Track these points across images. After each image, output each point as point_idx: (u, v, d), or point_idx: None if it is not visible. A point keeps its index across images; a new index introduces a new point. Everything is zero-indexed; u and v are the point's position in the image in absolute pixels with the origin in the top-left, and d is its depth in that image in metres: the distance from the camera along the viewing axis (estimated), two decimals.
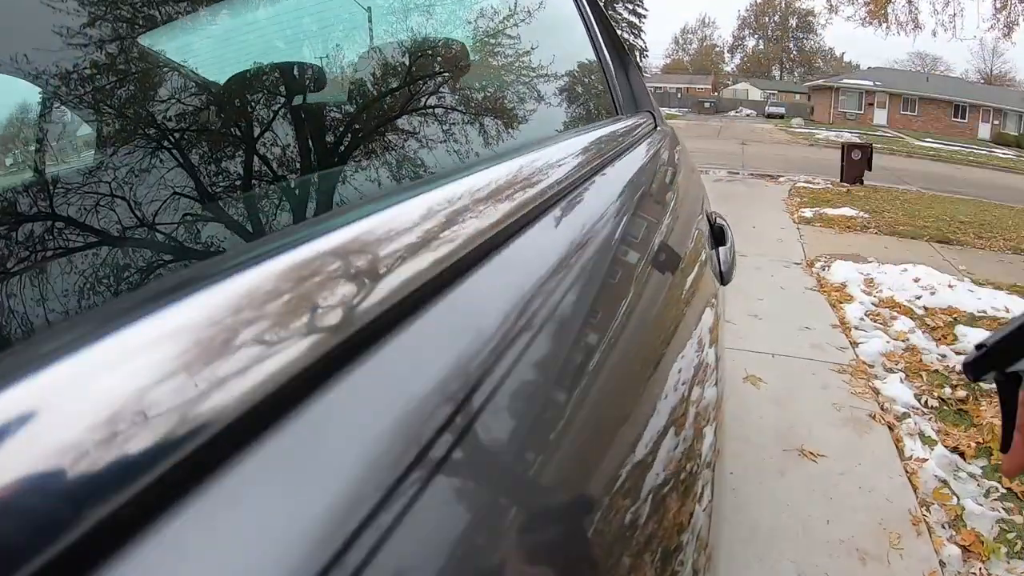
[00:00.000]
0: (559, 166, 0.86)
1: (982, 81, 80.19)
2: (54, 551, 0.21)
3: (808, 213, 10.59)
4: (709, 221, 1.87)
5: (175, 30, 0.61)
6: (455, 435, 0.38)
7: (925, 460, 3.49)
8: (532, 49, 1.36)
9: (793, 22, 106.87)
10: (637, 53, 58.99)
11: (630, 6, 58.46)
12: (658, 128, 2.15)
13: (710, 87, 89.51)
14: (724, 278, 1.79)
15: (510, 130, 1.09)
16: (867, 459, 3.47)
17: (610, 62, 2.07)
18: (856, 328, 5.34)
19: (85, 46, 0.49)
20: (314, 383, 0.34)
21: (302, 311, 0.35)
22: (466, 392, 0.41)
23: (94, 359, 0.27)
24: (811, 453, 3.47)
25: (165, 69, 0.58)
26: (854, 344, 5.03)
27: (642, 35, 59.68)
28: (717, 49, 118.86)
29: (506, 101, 1.18)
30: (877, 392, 4.26)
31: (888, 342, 5.00)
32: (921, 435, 3.76)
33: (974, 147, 37.99)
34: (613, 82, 1.99)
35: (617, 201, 0.97)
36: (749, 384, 4.29)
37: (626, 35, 58.26)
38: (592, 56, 1.92)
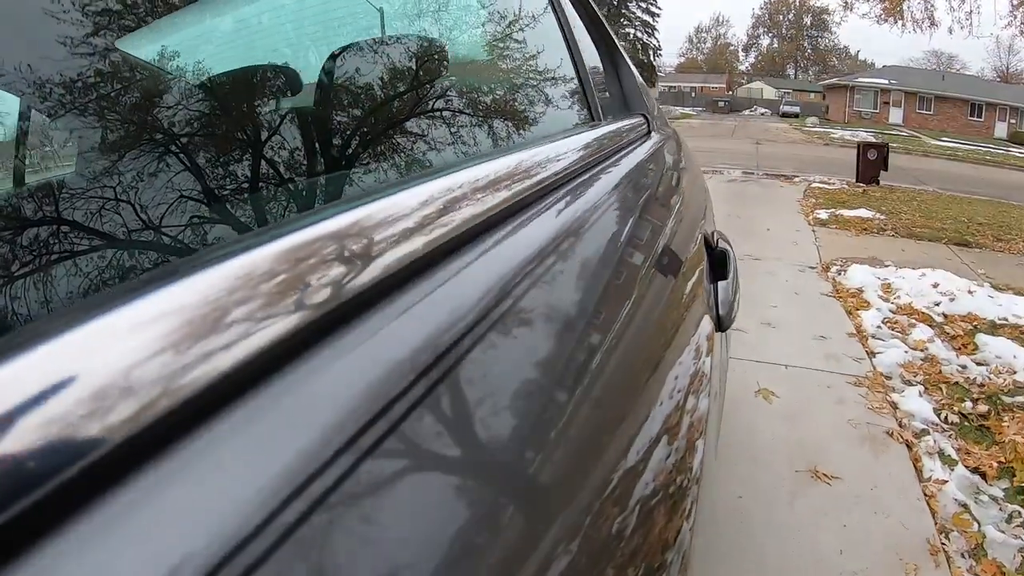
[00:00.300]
0: (504, 187, 0.74)
1: (998, 79, 79.63)
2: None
3: (823, 214, 10.40)
4: (709, 245, 1.64)
5: (158, 31, 0.61)
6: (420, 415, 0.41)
7: (945, 482, 3.29)
8: (481, 49, 1.26)
9: (808, 20, 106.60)
10: (651, 52, 58.86)
11: (643, 5, 58.20)
12: (652, 133, 1.97)
13: (724, 86, 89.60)
14: (722, 323, 1.43)
15: (448, 144, 0.97)
16: (884, 481, 3.28)
17: (587, 60, 1.81)
18: (873, 337, 5.14)
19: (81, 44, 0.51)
20: (280, 363, 0.37)
21: (278, 298, 0.38)
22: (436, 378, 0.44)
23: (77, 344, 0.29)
24: (825, 475, 3.28)
25: (149, 69, 0.59)
26: (871, 354, 4.84)
27: (656, 34, 59.45)
28: (731, 48, 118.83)
29: (444, 112, 1.02)
30: (895, 407, 4.06)
31: (906, 352, 4.81)
32: (941, 454, 3.56)
33: (991, 146, 37.56)
34: (589, 83, 1.71)
35: (580, 218, 0.86)
36: (761, 398, 4.10)
37: (639, 34, 58.05)
38: (564, 54, 1.66)
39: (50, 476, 0.25)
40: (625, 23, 57.36)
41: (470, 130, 1.04)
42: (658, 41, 59.66)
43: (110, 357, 0.30)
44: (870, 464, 3.44)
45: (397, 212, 0.54)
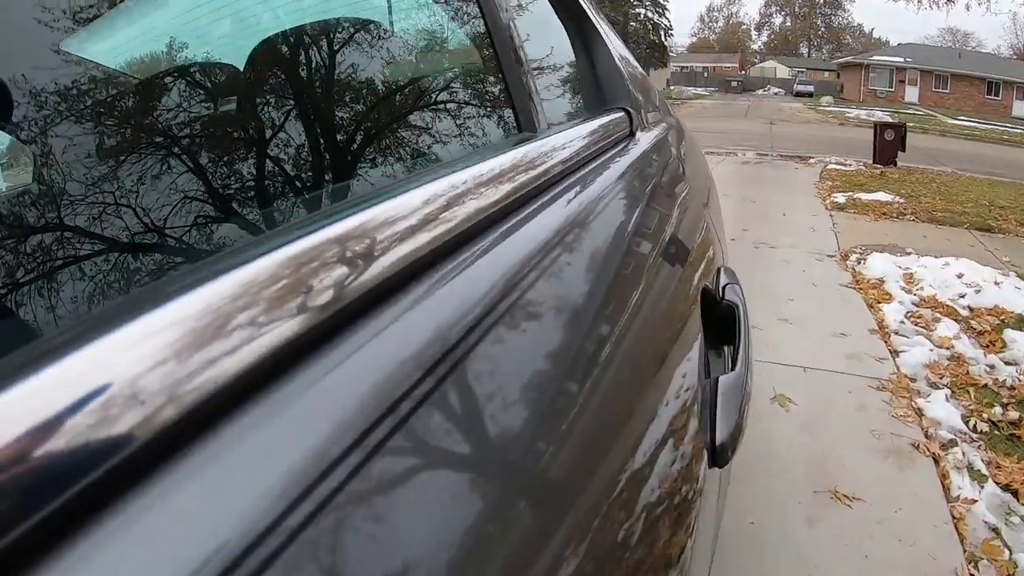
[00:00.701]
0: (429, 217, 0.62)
1: (1015, 57, 78.85)
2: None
3: (841, 198, 10.13)
4: (711, 298, 1.28)
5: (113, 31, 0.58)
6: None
7: (974, 501, 3.00)
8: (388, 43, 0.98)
9: None
10: (662, 32, 58.12)
11: None
12: (637, 134, 1.60)
13: (737, 65, 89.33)
14: (718, 456, 0.92)
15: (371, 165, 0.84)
16: (909, 502, 2.99)
17: (534, 50, 1.30)
18: (896, 333, 4.84)
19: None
20: (291, 363, 0.40)
21: (283, 302, 0.41)
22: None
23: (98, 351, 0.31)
24: (845, 496, 2.98)
25: (130, 72, 0.59)
26: (894, 353, 4.54)
27: (667, 14, 58.62)
28: (744, 27, 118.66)
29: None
30: (920, 413, 3.76)
31: (932, 350, 4.51)
32: (970, 468, 3.27)
33: (1008, 125, 36.99)
34: (524, 82, 1.14)
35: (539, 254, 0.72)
36: (777, 406, 3.80)
37: (650, 14, 57.40)
38: (487, 47, 1.17)
39: (60, 485, 0.27)
40: (635, 3, 56.75)
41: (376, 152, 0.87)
42: (669, 21, 58.84)
43: (120, 364, 0.31)
44: (894, 481, 3.14)
45: (393, 214, 0.56)
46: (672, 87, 62.44)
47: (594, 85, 1.77)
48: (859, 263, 6.56)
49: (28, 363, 0.29)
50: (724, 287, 1.40)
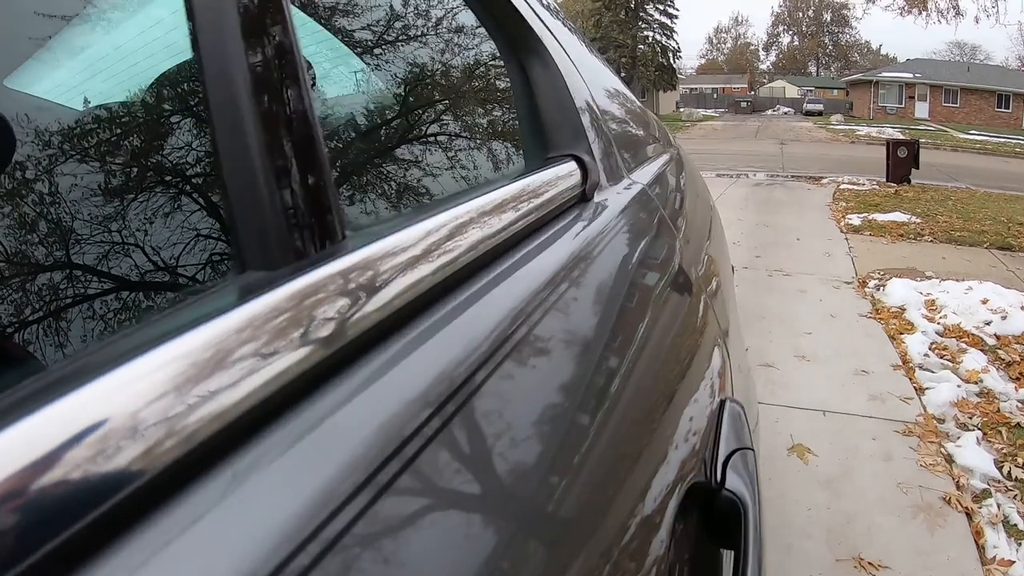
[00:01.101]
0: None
1: (1022, 68, 78.64)
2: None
3: (856, 220, 9.91)
4: (705, 494, 0.92)
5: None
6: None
7: (1011, 563, 2.72)
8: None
9: (827, 16, 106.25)
10: (670, 54, 58.02)
11: (661, 7, 57.33)
12: (593, 197, 1.15)
13: (746, 86, 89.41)
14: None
15: None
16: (941, 568, 2.70)
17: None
18: (921, 368, 4.55)
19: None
20: (309, 389, 0.43)
21: (299, 327, 0.43)
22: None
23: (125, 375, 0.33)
24: (871, 564, 2.69)
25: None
26: (920, 390, 4.25)
27: (675, 36, 58.52)
28: (752, 47, 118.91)
29: None
30: (950, 460, 3.46)
31: (959, 386, 4.22)
32: (1005, 523, 2.98)
33: (1020, 138, 36.71)
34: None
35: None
36: (795, 458, 3.50)
37: (658, 36, 57.37)
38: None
39: (64, 526, 0.28)
40: (643, 26, 56.75)
41: None
42: (678, 43, 58.76)
43: (120, 400, 0.32)
44: (924, 544, 2.84)
45: (396, 249, 0.58)
46: (682, 109, 62.66)
47: (531, 126, 1.22)
48: (878, 290, 6.30)
49: (27, 399, 0.29)
50: (728, 459, 0.96)
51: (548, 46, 1.25)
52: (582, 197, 1.13)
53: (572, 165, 1.13)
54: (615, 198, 1.22)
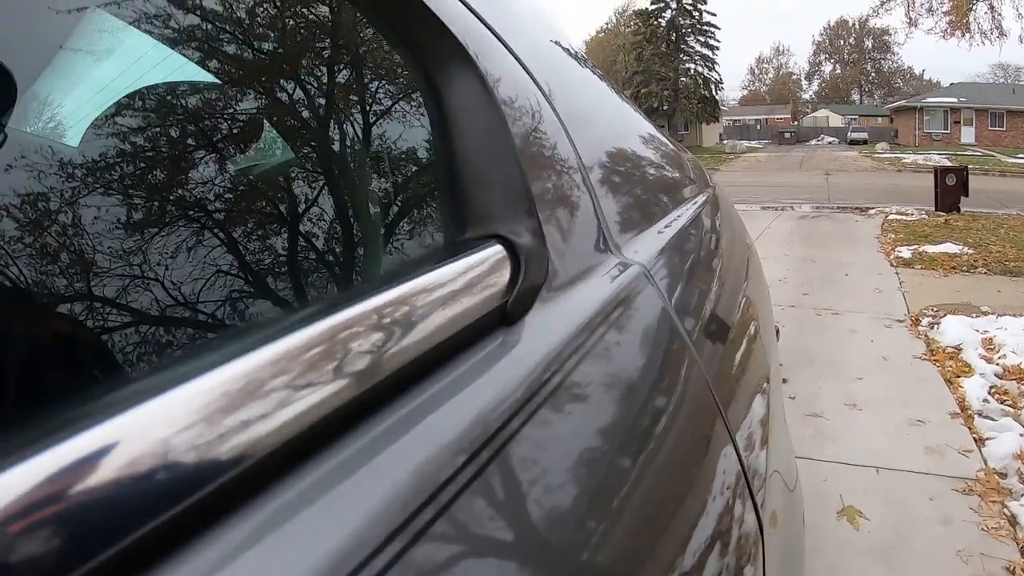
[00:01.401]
0: None
1: None
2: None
3: (906, 252, 9.68)
4: None
5: None
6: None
7: None
8: None
9: (869, 43, 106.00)
10: (712, 86, 57.79)
11: (701, 39, 57.28)
12: (522, 319, 0.70)
13: (789, 116, 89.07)
14: None
15: None
16: None
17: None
18: (980, 415, 4.33)
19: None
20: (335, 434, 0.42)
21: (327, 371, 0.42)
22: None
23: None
24: None
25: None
26: (980, 442, 4.02)
27: (716, 67, 58.35)
28: (794, 77, 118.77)
29: None
30: (1014, 523, 3.23)
31: (1022, 435, 3.99)
32: None
33: None
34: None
35: None
36: (845, 522, 3.28)
37: (700, 68, 57.27)
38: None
39: (90, 557, 0.28)
40: (685, 58, 56.64)
41: None
42: (719, 75, 58.62)
43: (148, 434, 0.31)
44: None
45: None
46: (725, 141, 62.43)
47: (449, 195, 0.78)
48: (932, 328, 6.09)
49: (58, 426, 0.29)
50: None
51: (482, 59, 0.81)
52: (500, 320, 0.68)
53: (495, 251, 0.69)
54: (578, 302, 0.77)
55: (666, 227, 1.20)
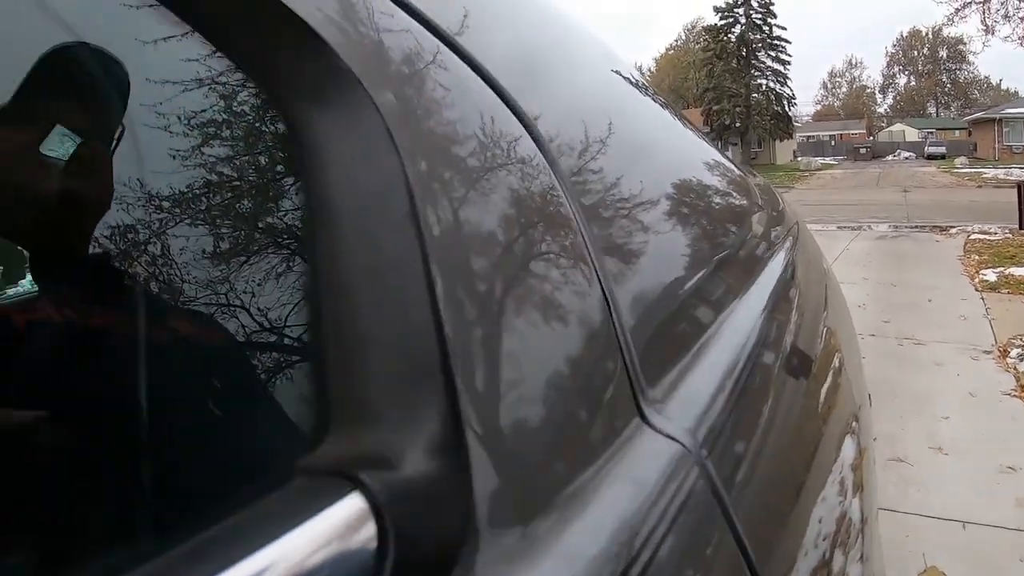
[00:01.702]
0: None
1: None
2: None
3: (991, 276, 9.32)
4: None
5: None
6: None
7: None
8: None
9: (943, 53, 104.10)
10: (785, 102, 57.15)
11: (772, 53, 56.72)
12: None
13: (864, 131, 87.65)
14: None
15: None
16: None
17: None
18: None
19: None
20: None
21: None
22: None
23: None
24: None
25: None
26: None
27: (788, 82, 57.71)
28: (868, 90, 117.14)
29: None
30: None
31: None
32: None
33: None
34: None
35: None
36: None
37: (771, 84, 56.71)
38: None
39: None
40: (756, 74, 56.12)
41: None
42: (791, 90, 57.93)
43: None
44: None
45: None
46: (800, 158, 61.61)
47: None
48: (1021, 360, 5.80)
49: None
50: None
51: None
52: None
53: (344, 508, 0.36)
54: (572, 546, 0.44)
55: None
